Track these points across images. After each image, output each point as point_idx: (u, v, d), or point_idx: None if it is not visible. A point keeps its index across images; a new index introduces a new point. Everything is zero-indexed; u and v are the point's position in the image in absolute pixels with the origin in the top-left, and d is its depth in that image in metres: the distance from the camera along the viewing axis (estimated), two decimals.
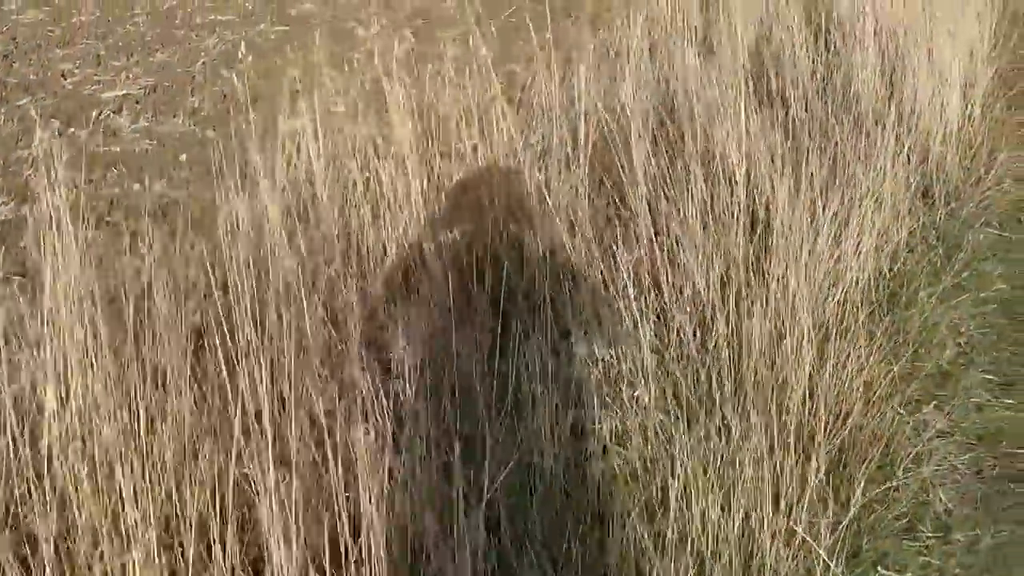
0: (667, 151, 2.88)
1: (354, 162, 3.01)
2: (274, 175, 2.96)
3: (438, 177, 2.86)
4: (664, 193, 2.62)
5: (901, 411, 2.36)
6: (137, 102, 4.66)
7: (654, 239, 2.51)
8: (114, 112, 4.54)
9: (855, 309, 2.57)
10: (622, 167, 2.78)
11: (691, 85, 3.06)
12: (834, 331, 2.37)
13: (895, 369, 2.40)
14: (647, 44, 3.67)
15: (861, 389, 2.30)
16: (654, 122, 3.05)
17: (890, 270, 2.84)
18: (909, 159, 3.22)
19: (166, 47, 5.32)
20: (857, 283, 2.69)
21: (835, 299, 2.52)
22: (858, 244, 2.70)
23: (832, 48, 3.64)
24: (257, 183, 2.79)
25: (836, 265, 2.64)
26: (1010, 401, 2.46)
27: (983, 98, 3.80)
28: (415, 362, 2.00)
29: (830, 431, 2.15)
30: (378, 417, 1.92)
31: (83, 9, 5.81)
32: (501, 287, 2.41)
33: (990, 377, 2.53)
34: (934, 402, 2.41)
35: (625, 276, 2.33)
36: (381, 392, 1.97)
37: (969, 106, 3.64)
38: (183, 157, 4.15)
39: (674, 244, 2.55)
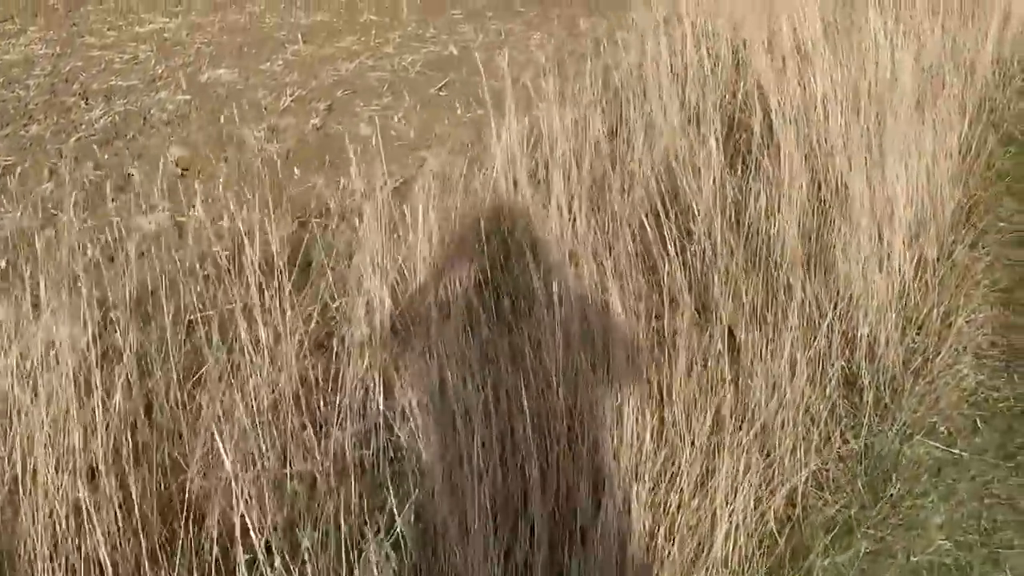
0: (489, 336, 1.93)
1: None
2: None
3: None
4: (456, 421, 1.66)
5: None
6: None
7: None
8: None
9: None
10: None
11: (534, 231, 2.11)
12: None
13: None
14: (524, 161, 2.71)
15: None
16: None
17: (780, 530, 1.85)
18: (830, 339, 2.24)
19: (48, 117, 4.45)
20: (727, 563, 1.71)
21: None
22: (733, 497, 1.73)
23: (751, 173, 2.66)
24: None
25: (692, 536, 1.67)
26: None
27: (942, 235, 2.80)
28: None
29: None
30: None
31: None
32: None
33: None
34: None
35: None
36: None
37: (921, 251, 2.64)
38: (2, 263, 3.27)
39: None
